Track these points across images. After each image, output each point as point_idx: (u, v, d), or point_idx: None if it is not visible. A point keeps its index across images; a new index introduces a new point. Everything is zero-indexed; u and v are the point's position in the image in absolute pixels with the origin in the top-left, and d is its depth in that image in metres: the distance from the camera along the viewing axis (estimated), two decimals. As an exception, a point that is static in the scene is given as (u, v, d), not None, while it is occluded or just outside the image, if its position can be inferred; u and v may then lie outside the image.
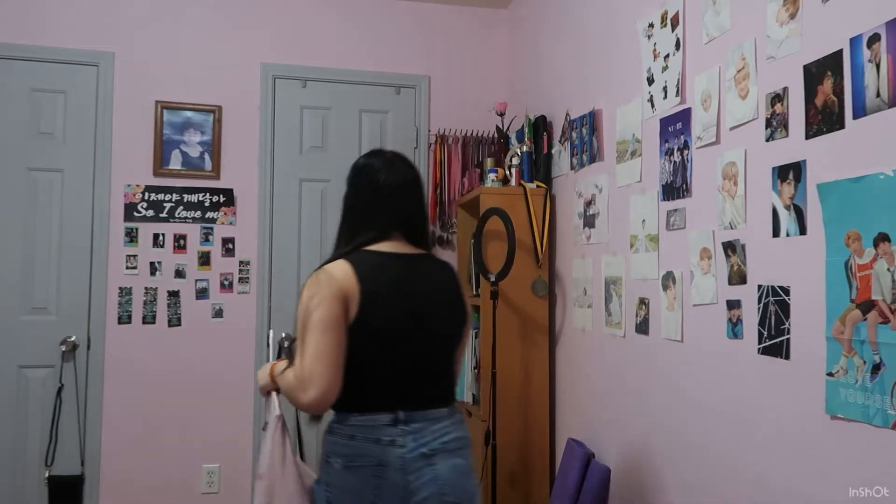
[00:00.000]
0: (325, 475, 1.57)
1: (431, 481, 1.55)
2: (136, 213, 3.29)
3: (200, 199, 3.36)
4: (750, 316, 1.73)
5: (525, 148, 3.09)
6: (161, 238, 3.31)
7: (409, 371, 1.60)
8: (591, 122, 2.65)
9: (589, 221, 2.67)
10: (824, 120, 1.49)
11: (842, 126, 1.44)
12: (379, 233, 1.66)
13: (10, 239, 3.16)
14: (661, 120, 2.17)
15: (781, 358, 1.61)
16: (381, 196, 1.67)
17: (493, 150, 3.51)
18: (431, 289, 1.67)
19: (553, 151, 3.05)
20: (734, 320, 1.79)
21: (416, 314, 1.62)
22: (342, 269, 1.57)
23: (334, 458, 1.56)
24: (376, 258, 1.62)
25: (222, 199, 3.38)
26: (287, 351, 1.84)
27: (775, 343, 1.63)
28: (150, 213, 3.31)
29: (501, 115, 3.34)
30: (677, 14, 2.09)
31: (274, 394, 1.71)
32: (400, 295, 1.61)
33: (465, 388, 3.10)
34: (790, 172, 1.59)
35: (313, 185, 3.45)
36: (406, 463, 1.54)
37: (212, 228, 3.36)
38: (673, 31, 2.11)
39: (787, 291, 1.59)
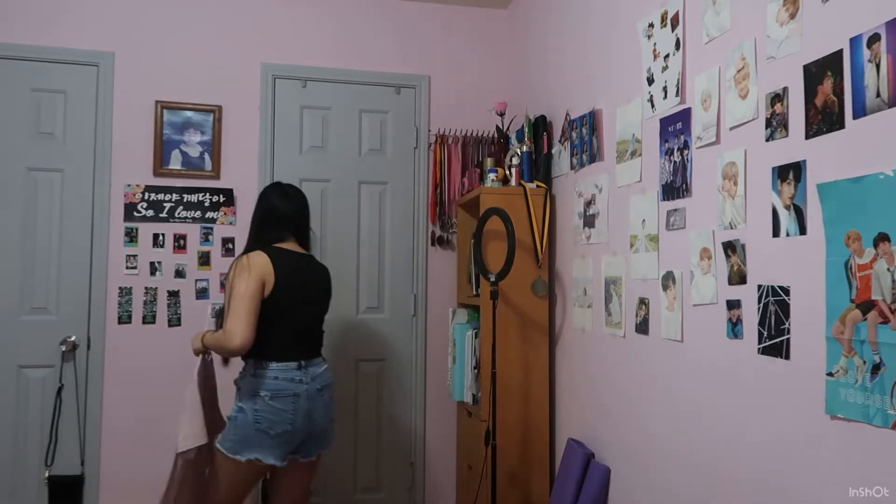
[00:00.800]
0: (255, 404, 2.27)
1: (322, 405, 2.37)
2: (136, 213, 3.29)
3: (200, 199, 3.36)
4: (750, 316, 1.73)
5: (525, 148, 3.09)
6: (161, 238, 3.31)
7: (303, 332, 2.41)
8: (591, 121, 2.65)
9: (589, 221, 2.67)
10: (824, 120, 1.49)
11: (842, 126, 1.44)
12: (279, 236, 2.44)
13: (10, 239, 3.16)
14: (661, 120, 2.17)
15: (781, 358, 1.61)
16: (280, 213, 2.47)
17: (493, 150, 3.51)
18: (315, 278, 2.49)
19: (553, 151, 3.05)
20: (734, 320, 1.79)
21: (306, 294, 2.43)
22: (262, 257, 2.34)
23: (264, 392, 2.28)
24: (284, 253, 2.41)
25: (222, 199, 3.38)
26: (218, 314, 2.61)
27: (775, 343, 1.63)
28: (150, 213, 3.31)
29: (501, 115, 3.34)
30: (677, 14, 2.09)
31: (201, 356, 2.47)
32: (298, 280, 2.40)
33: (466, 388, 3.10)
34: (790, 172, 1.59)
35: (314, 185, 3.44)
36: (310, 394, 2.33)
37: (212, 228, 3.36)
38: (673, 31, 2.11)
39: (787, 291, 1.59)
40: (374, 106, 3.58)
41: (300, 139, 3.50)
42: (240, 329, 2.20)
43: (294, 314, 2.36)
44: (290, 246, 2.45)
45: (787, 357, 1.59)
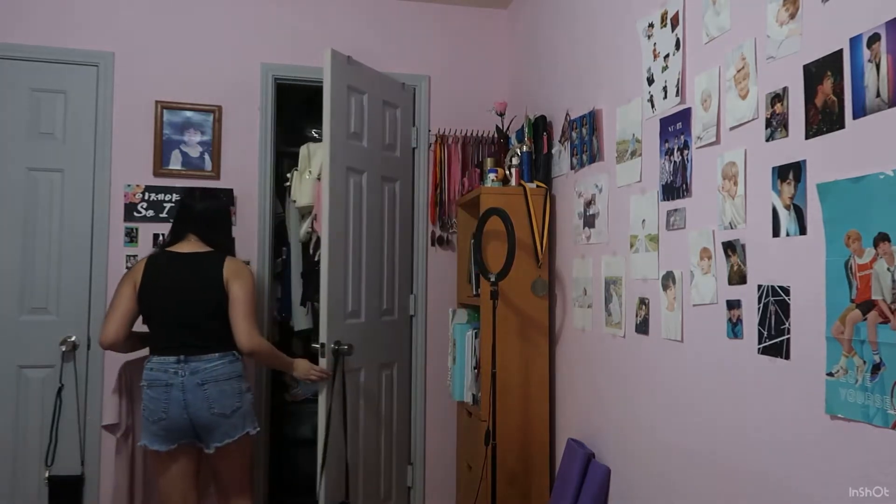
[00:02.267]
0: (142, 394, 2.53)
1: (202, 398, 2.45)
2: (136, 213, 3.29)
3: (200, 199, 3.36)
4: (750, 316, 1.73)
5: (525, 148, 3.09)
6: (161, 238, 3.30)
7: (181, 328, 2.51)
8: (591, 122, 2.65)
9: (589, 221, 2.67)
10: (824, 120, 1.49)
11: (842, 126, 1.44)
12: (176, 237, 2.65)
13: (10, 239, 3.16)
14: (661, 120, 2.17)
15: (781, 358, 1.61)
16: (185, 216, 2.67)
17: (493, 150, 3.51)
18: (194, 277, 2.56)
19: (553, 151, 3.05)
20: (734, 320, 1.79)
21: (179, 293, 2.54)
22: (140, 262, 2.64)
23: (143, 382, 2.52)
24: (164, 255, 2.62)
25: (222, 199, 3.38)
26: None
27: (775, 343, 1.63)
28: (150, 213, 3.31)
29: (501, 115, 3.34)
30: (677, 14, 2.09)
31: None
32: (170, 281, 2.55)
33: (466, 388, 3.10)
34: (790, 172, 1.59)
35: (354, 176, 3.33)
36: (186, 386, 2.45)
37: (212, 228, 3.36)
38: (673, 31, 2.11)
39: (787, 291, 1.59)
40: (392, 99, 3.52)
41: (348, 125, 3.17)
42: (105, 328, 2.56)
43: (165, 312, 2.54)
44: (185, 246, 2.62)
45: (787, 357, 1.59)
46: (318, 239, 3.56)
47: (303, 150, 3.65)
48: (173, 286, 2.55)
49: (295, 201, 3.66)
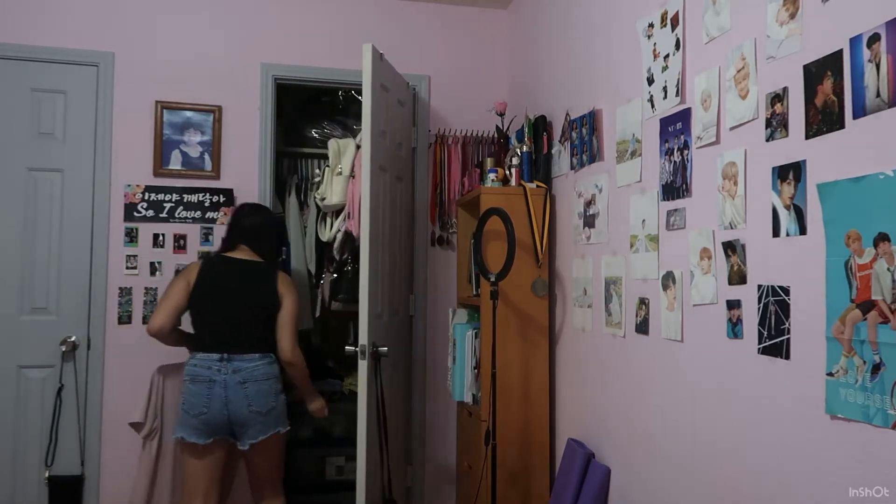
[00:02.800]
0: (182, 388, 2.68)
1: (242, 396, 2.60)
2: (136, 213, 3.29)
3: (200, 199, 3.36)
4: (750, 316, 1.73)
5: (525, 148, 3.09)
6: (161, 238, 3.31)
7: (226, 329, 2.67)
8: (591, 122, 2.65)
9: (589, 221, 2.67)
10: (824, 120, 1.49)
11: (842, 126, 1.44)
12: (229, 246, 2.84)
13: (10, 239, 3.16)
14: (661, 120, 2.17)
15: (781, 358, 1.61)
16: (238, 227, 2.85)
17: (493, 150, 3.51)
18: (245, 282, 2.74)
19: (553, 151, 3.05)
20: (734, 320, 1.79)
21: (229, 296, 2.71)
22: (195, 264, 2.82)
23: (185, 377, 2.65)
24: (219, 259, 2.81)
25: (222, 199, 3.38)
26: None
27: (775, 343, 1.63)
28: (150, 213, 3.31)
29: (501, 115, 3.34)
30: (677, 14, 2.09)
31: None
32: (222, 283, 2.73)
33: (466, 388, 3.10)
34: (790, 172, 1.59)
35: (383, 175, 3.32)
36: (227, 384, 2.60)
37: (212, 228, 3.36)
38: (673, 31, 2.11)
39: (787, 291, 1.59)
40: (402, 98, 3.51)
41: (380, 123, 3.13)
42: (154, 316, 2.72)
43: (213, 311, 2.70)
44: (238, 254, 2.79)
45: (787, 357, 1.59)
46: (345, 238, 3.51)
47: (332, 145, 3.54)
48: (225, 288, 2.73)
49: (324, 199, 3.54)
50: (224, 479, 2.80)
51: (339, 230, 3.59)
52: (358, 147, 3.36)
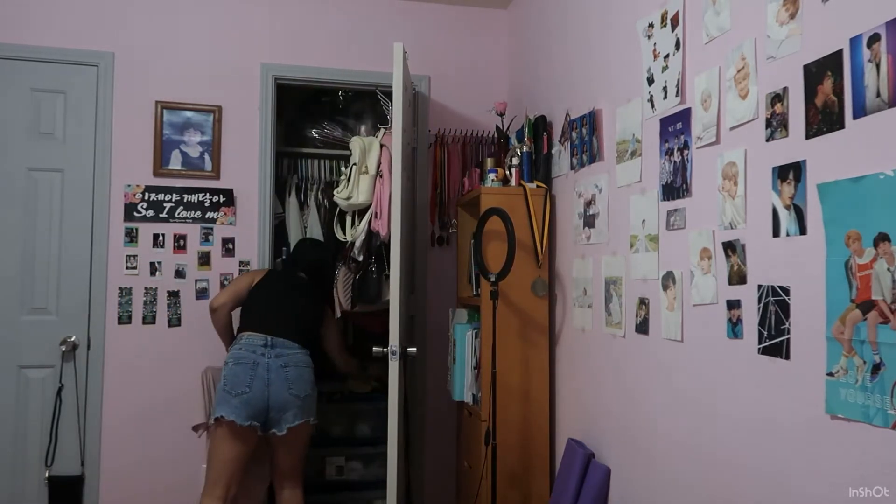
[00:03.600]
0: (224, 369, 2.83)
1: (283, 378, 2.78)
2: (136, 214, 3.29)
3: (200, 199, 3.36)
4: (750, 316, 1.73)
5: (525, 148, 3.08)
6: (161, 238, 3.31)
7: (270, 314, 2.95)
8: (591, 122, 2.65)
9: (589, 221, 2.67)
10: (824, 120, 1.49)
11: (842, 126, 1.44)
12: (291, 268, 3.26)
13: (10, 239, 3.16)
14: (661, 120, 2.17)
15: (781, 358, 1.61)
16: (300, 259, 3.26)
17: (493, 150, 3.51)
18: (298, 290, 3.09)
19: (553, 151, 3.05)
20: (734, 320, 1.79)
21: (281, 293, 3.02)
22: (263, 269, 3.19)
23: (229, 359, 2.83)
24: (285, 271, 3.25)
25: (222, 199, 3.38)
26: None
27: (775, 343, 1.63)
28: (150, 213, 3.31)
29: (501, 115, 3.34)
30: (677, 14, 2.09)
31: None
32: (275, 284, 3.05)
33: (466, 388, 3.10)
34: (790, 172, 1.59)
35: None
36: (270, 366, 2.79)
37: (212, 228, 3.36)
38: (673, 31, 2.11)
39: (787, 291, 1.59)
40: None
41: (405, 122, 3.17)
42: (218, 296, 3.06)
43: (268, 304, 2.96)
44: (296, 269, 3.20)
45: (787, 357, 1.59)
46: (366, 239, 3.42)
47: (358, 143, 3.39)
48: (283, 290, 3.03)
49: (349, 198, 3.37)
50: (247, 471, 2.90)
51: (363, 230, 3.51)
52: (382, 146, 3.31)
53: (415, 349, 2.99)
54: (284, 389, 2.77)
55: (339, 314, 3.62)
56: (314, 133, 4.00)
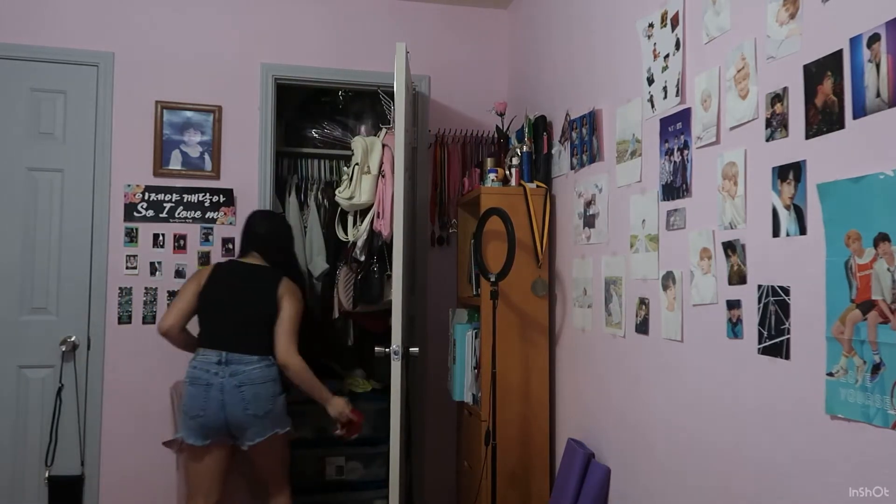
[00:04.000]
0: (184, 390, 2.70)
1: (239, 399, 2.60)
2: (136, 213, 3.29)
3: (200, 199, 3.36)
4: (750, 316, 1.73)
5: (525, 148, 3.08)
6: (161, 238, 3.31)
7: (221, 327, 2.71)
8: (591, 122, 2.65)
9: (589, 221, 2.67)
10: (824, 120, 1.49)
11: (842, 126, 1.44)
12: (243, 251, 2.93)
13: (10, 239, 3.16)
14: (661, 120, 2.17)
15: (781, 358, 1.61)
16: (248, 236, 2.92)
17: (493, 150, 3.51)
18: (250, 286, 2.78)
19: (553, 151, 3.05)
20: (734, 320, 1.79)
21: (229, 298, 2.76)
22: (207, 268, 2.89)
23: (186, 379, 2.69)
24: (230, 264, 2.90)
25: (222, 199, 3.38)
26: None
27: (775, 343, 1.63)
28: (150, 213, 3.31)
29: (501, 115, 3.34)
30: (677, 14, 2.09)
31: None
32: (226, 286, 2.78)
33: (466, 388, 3.10)
34: (790, 172, 1.59)
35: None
36: (224, 387, 2.60)
37: (212, 228, 3.36)
38: (673, 31, 2.11)
39: (787, 291, 1.59)
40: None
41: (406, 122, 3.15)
42: (164, 316, 2.81)
43: (217, 312, 2.74)
44: (249, 259, 2.87)
45: (787, 357, 1.59)
46: (368, 239, 3.41)
47: (360, 143, 3.38)
48: (230, 291, 2.78)
49: (351, 198, 3.37)
50: (227, 477, 2.80)
51: (366, 230, 3.44)
52: (384, 146, 3.31)
53: (417, 349, 2.98)
54: (240, 410, 2.61)
55: (337, 314, 3.63)
56: (314, 133, 4.00)
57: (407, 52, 2.97)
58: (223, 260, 2.98)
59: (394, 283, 2.80)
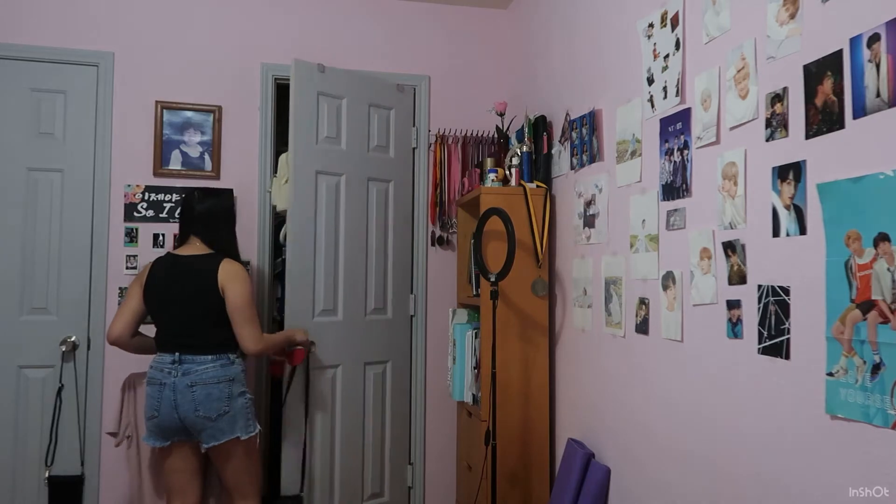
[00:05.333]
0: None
1: (190, 400, 2.48)
2: (136, 213, 3.29)
3: (200, 199, 3.35)
4: (750, 316, 1.73)
5: (525, 148, 3.09)
6: (161, 238, 3.31)
7: (177, 329, 2.56)
8: (591, 122, 2.65)
9: (589, 221, 2.67)
10: (824, 120, 1.49)
11: (842, 126, 1.44)
12: (182, 238, 2.70)
13: (10, 239, 3.16)
14: (661, 120, 2.17)
15: (781, 358, 1.61)
16: (186, 217, 2.69)
17: (493, 150, 3.51)
18: (190, 280, 2.57)
19: (553, 151, 3.05)
20: (734, 320, 1.79)
21: (175, 296, 2.57)
22: (147, 266, 2.67)
23: (145, 380, 2.60)
24: (167, 259, 2.65)
25: (222, 199, 3.37)
26: None
27: (775, 343, 1.63)
28: (150, 213, 3.31)
29: (501, 115, 3.34)
30: (677, 14, 2.09)
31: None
32: (166, 284, 2.59)
33: (466, 388, 3.10)
34: (790, 172, 1.59)
35: (328, 179, 3.31)
36: (176, 387, 2.49)
37: (212, 228, 3.36)
38: (673, 31, 2.11)
39: (787, 291, 1.59)
40: (380, 101, 3.50)
41: (317, 130, 3.25)
42: (112, 324, 2.64)
43: (165, 313, 2.59)
44: (188, 249, 2.65)
45: (787, 357, 1.59)
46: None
47: (281, 158, 3.50)
48: (172, 290, 2.58)
49: (276, 206, 3.51)
50: (202, 477, 2.72)
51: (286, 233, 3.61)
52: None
53: (311, 342, 3.11)
54: (191, 412, 2.47)
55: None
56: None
57: (318, 65, 3.21)
58: (162, 254, 2.72)
59: (287, 277, 3.11)
